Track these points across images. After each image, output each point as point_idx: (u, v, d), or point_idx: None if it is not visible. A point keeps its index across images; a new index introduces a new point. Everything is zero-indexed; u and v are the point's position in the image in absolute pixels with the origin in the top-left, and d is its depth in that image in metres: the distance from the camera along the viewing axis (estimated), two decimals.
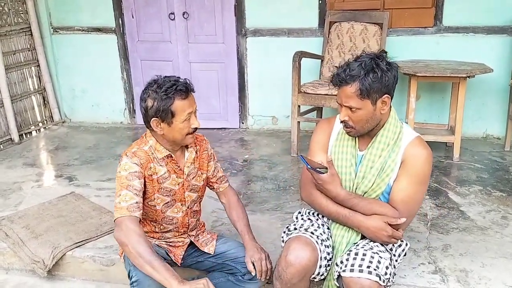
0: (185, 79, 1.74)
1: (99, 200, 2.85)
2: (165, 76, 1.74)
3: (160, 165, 1.78)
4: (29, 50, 4.32)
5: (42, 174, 3.37)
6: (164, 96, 1.66)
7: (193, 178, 1.89)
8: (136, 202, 1.67)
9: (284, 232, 1.88)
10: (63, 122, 4.59)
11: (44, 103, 4.49)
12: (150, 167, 1.75)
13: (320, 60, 3.81)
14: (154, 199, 1.80)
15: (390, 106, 1.74)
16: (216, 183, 2.02)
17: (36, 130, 4.37)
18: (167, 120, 1.69)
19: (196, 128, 1.76)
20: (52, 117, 4.53)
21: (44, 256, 2.25)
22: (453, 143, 3.32)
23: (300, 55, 3.40)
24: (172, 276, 1.53)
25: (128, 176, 1.69)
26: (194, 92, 1.75)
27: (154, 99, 1.68)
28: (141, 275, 1.62)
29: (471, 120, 3.77)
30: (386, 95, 1.65)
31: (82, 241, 2.35)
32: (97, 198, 2.89)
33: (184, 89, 1.69)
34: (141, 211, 1.70)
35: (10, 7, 4.11)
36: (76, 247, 2.32)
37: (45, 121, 4.50)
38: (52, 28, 4.39)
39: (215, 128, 4.26)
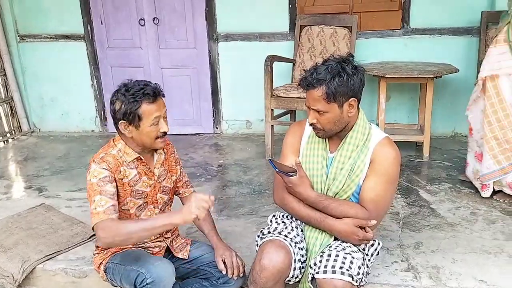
0: (155, 83, 1.76)
1: (70, 210, 2.79)
2: (136, 80, 1.76)
3: (130, 168, 1.78)
4: None
5: (11, 186, 3.27)
6: (131, 99, 1.68)
7: (163, 180, 1.90)
8: (112, 205, 1.68)
9: (258, 236, 1.88)
10: (32, 132, 4.48)
11: (12, 113, 4.38)
12: (120, 171, 1.76)
13: (291, 64, 3.85)
14: (127, 203, 1.80)
15: (359, 108, 1.77)
16: (182, 187, 2.03)
17: (4, 141, 4.25)
18: (134, 123, 1.71)
19: (165, 133, 1.77)
20: (20, 127, 4.42)
21: (13, 271, 2.18)
22: (423, 142, 3.40)
23: (271, 59, 3.42)
24: (168, 217, 1.63)
25: (99, 182, 1.69)
26: (164, 96, 1.77)
27: (122, 102, 1.70)
28: (156, 275, 1.63)
29: (440, 119, 3.87)
30: (352, 98, 1.68)
31: (53, 253, 2.29)
32: (68, 209, 2.83)
33: (152, 93, 1.70)
34: (118, 214, 1.70)
35: None
36: (47, 259, 2.26)
37: (13, 132, 4.38)
38: (18, 36, 4.28)
39: (188, 134, 4.24)
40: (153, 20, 4.05)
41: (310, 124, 1.74)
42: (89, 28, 4.16)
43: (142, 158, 1.80)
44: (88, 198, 1.72)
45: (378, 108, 3.36)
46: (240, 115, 4.23)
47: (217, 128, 4.30)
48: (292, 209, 1.81)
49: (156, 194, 1.87)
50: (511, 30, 2.53)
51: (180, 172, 2.01)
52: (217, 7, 3.97)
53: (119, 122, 1.73)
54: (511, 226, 2.44)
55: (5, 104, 4.32)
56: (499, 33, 2.59)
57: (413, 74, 3.18)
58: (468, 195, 2.83)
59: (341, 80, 1.63)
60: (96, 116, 4.41)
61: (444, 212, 2.63)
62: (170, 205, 2.00)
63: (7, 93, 4.33)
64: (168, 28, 4.08)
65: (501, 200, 2.69)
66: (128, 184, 1.78)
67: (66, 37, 4.22)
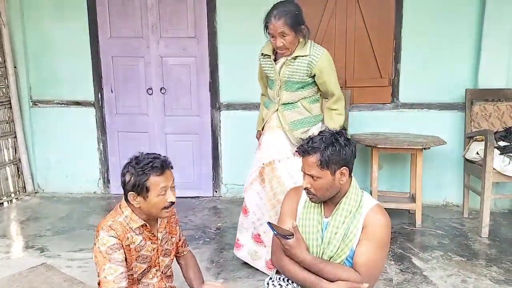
0: (164, 156, 1.86)
1: (71, 270, 2.84)
2: (147, 153, 1.86)
3: (136, 234, 1.86)
4: (7, 122, 4.41)
5: (13, 245, 3.33)
6: (140, 172, 1.79)
7: (165, 243, 1.99)
8: (121, 273, 1.74)
9: None
10: (35, 192, 4.58)
11: (18, 174, 4.51)
12: (127, 238, 1.83)
13: None
14: (132, 268, 1.86)
15: (351, 177, 1.92)
16: (181, 246, 2.12)
17: (8, 201, 4.34)
18: (142, 194, 1.80)
19: (172, 203, 1.85)
20: (25, 187, 4.53)
21: None
22: (415, 210, 3.52)
23: None
24: None
25: (107, 250, 1.76)
26: (172, 168, 1.87)
27: (131, 174, 1.80)
28: None
29: (431, 188, 4.00)
30: (344, 167, 1.83)
31: None
32: (68, 269, 2.87)
33: (160, 166, 1.80)
34: (127, 280, 1.76)
35: None
36: None
37: (17, 192, 4.48)
38: (31, 101, 4.51)
39: (188, 197, 4.35)
40: (160, 90, 4.33)
41: (304, 189, 1.88)
42: (99, 95, 4.41)
43: (147, 225, 1.89)
44: (97, 265, 1.78)
45: (371, 176, 3.52)
46: (239, 179, 4.37)
47: (216, 191, 4.43)
48: (288, 271, 1.90)
49: (158, 257, 1.95)
50: (281, 116, 2.64)
51: (179, 232, 2.10)
52: (221, 80, 4.25)
53: (129, 193, 1.82)
54: None
55: (12, 165, 4.46)
56: (270, 120, 2.68)
57: (403, 145, 3.37)
58: (459, 263, 2.91)
59: (334, 149, 1.80)
60: (100, 178, 4.54)
61: (436, 279, 2.69)
62: (171, 267, 2.07)
63: (16, 155, 4.49)
64: (174, 97, 4.34)
65: None
66: (135, 249, 1.85)
67: (77, 103, 4.46)
